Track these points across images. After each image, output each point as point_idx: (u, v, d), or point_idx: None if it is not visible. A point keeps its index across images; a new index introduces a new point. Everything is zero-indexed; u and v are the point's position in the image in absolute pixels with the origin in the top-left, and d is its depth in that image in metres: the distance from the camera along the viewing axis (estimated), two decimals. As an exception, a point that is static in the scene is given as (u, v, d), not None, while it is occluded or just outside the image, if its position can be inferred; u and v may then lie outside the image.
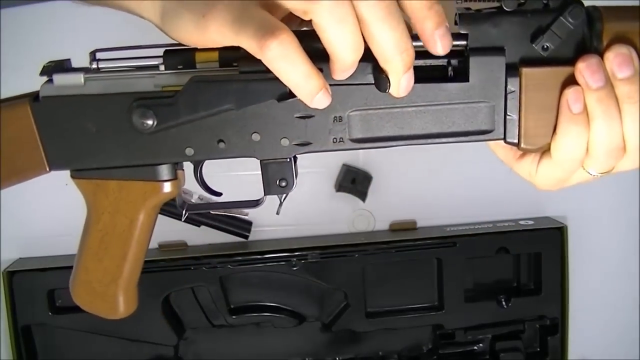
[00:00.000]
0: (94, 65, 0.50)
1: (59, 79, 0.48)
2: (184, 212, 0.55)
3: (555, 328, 1.04)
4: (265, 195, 0.51)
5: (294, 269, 0.97)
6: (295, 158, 0.50)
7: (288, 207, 0.55)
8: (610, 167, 0.48)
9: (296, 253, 0.97)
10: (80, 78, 0.48)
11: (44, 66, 0.49)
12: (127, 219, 0.50)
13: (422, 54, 0.45)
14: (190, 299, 0.98)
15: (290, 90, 0.44)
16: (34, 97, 0.49)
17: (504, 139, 0.48)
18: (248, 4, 0.42)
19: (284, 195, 0.51)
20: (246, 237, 1.02)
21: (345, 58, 0.42)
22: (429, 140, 0.49)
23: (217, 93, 0.47)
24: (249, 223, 1.01)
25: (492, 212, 1.03)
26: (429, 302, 1.03)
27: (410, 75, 0.44)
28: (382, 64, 0.43)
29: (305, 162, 0.81)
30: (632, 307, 1.11)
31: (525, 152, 0.51)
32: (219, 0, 0.42)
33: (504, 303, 1.02)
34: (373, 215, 1.03)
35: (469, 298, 1.02)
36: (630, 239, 1.07)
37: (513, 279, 1.04)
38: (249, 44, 0.41)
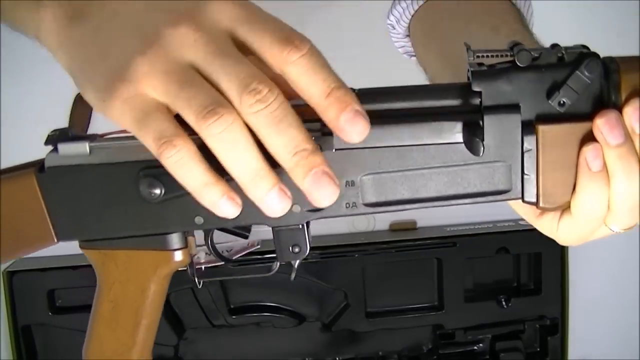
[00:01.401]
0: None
1: (64, 148, 0.47)
2: (196, 279, 0.54)
3: (555, 328, 1.04)
4: (278, 261, 0.51)
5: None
6: (308, 224, 0.49)
7: (288, 207, 0.54)
8: (632, 224, 0.46)
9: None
10: (85, 147, 0.47)
11: (48, 135, 0.48)
12: (138, 289, 0.49)
13: (433, 113, 0.44)
14: (190, 299, 0.98)
15: None
16: (39, 167, 0.48)
17: (522, 198, 0.46)
18: (148, 105, 0.41)
19: (297, 261, 0.50)
20: (246, 237, 1.01)
21: (249, 184, 0.40)
22: (445, 202, 0.47)
23: None
24: (249, 223, 1.01)
25: (492, 212, 1.03)
26: (429, 302, 1.03)
27: (320, 174, 0.40)
28: (287, 171, 0.41)
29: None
30: (632, 307, 1.11)
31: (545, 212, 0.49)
32: (119, 93, 0.41)
33: (504, 303, 1.02)
34: (373, 215, 1.03)
35: (469, 298, 1.02)
36: (630, 240, 1.07)
37: (513, 279, 1.04)
38: (149, 146, 0.41)
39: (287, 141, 0.40)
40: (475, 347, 1.05)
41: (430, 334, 1.05)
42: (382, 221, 1.04)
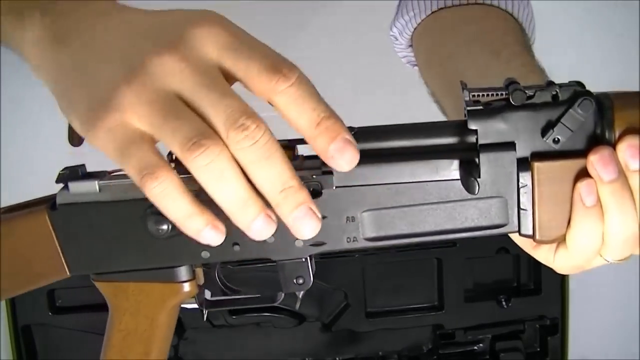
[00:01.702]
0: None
1: (75, 186, 0.49)
2: (204, 310, 0.56)
3: (555, 328, 1.04)
4: (283, 292, 0.52)
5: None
6: (311, 257, 0.50)
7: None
8: (627, 255, 0.47)
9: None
10: (95, 185, 0.49)
11: (59, 173, 0.49)
12: (148, 319, 0.51)
13: (431, 151, 0.46)
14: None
15: None
16: (51, 204, 0.49)
17: (519, 232, 0.48)
18: (132, 135, 0.40)
19: (302, 292, 0.51)
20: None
21: (237, 213, 0.40)
22: (443, 237, 0.48)
23: None
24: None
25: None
26: (429, 302, 1.03)
27: (305, 210, 0.41)
28: (272, 205, 0.41)
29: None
30: (632, 308, 1.12)
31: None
32: (103, 123, 0.40)
33: (504, 303, 1.02)
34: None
35: (469, 298, 1.02)
36: (630, 239, 1.07)
37: (513, 279, 1.04)
38: (132, 177, 0.41)
39: (274, 178, 0.40)
40: (475, 347, 1.05)
41: (430, 334, 1.05)
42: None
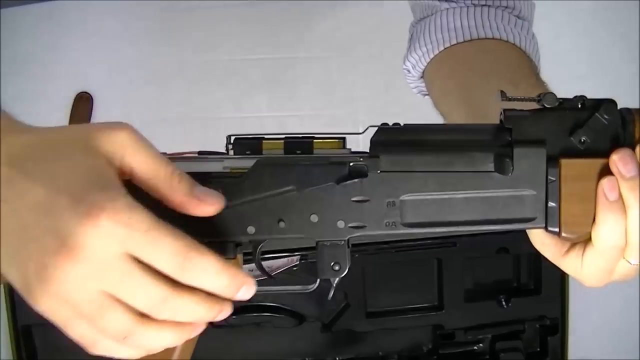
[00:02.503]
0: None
1: None
2: None
3: (555, 328, 1.04)
4: (319, 278, 0.54)
5: (294, 269, 0.97)
6: (349, 242, 0.52)
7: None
8: None
9: (296, 253, 0.97)
10: None
11: None
12: None
13: (469, 145, 0.50)
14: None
15: (348, 173, 0.49)
16: None
17: (546, 227, 0.51)
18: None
19: (336, 279, 0.54)
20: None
21: (214, 312, 0.46)
22: (475, 227, 0.51)
23: (281, 175, 0.50)
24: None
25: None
26: (429, 302, 1.03)
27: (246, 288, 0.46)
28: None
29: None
30: (632, 307, 1.12)
31: (569, 249, 0.53)
32: (40, 295, 0.43)
33: (504, 303, 1.02)
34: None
35: (469, 298, 1.02)
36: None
37: (513, 279, 1.04)
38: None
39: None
40: (475, 347, 1.05)
41: (430, 334, 1.05)
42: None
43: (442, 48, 0.78)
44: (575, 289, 1.03)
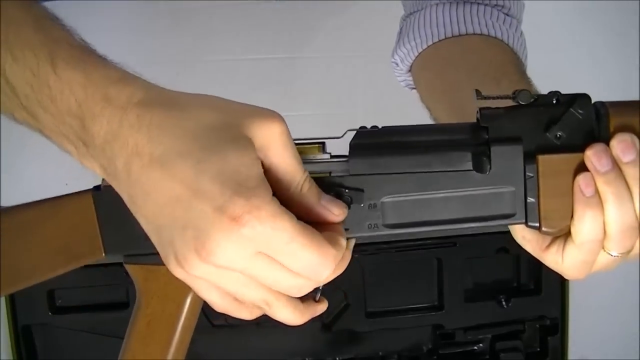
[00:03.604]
0: None
1: None
2: None
3: (555, 328, 1.04)
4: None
5: None
6: None
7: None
8: (629, 247, 0.50)
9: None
10: None
11: None
12: (175, 303, 0.52)
13: (447, 145, 0.50)
14: (190, 299, 0.98)
15: (330, 181, 0.50)
16: (96, 186, 0.52)
17: (526, 222, 0.51)
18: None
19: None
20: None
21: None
22: (456, 226, 0.52)
23: None
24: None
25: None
26: (429, 302, 1.03)
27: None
28: None
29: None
30: (632, 307, 1.12)
31: (550, 243, 0.54)
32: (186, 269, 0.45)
33: (504, 303, 1.02)
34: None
35: (469, 298, 1.02)
36: (630, 239, 1.07)
37: (513, 279, 1.04)
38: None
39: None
40: (475, 347, 1.05)
41: (430, 334, 1.05)
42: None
43: (430, 43, 0.78)
44: (575, 289, 1.03)
